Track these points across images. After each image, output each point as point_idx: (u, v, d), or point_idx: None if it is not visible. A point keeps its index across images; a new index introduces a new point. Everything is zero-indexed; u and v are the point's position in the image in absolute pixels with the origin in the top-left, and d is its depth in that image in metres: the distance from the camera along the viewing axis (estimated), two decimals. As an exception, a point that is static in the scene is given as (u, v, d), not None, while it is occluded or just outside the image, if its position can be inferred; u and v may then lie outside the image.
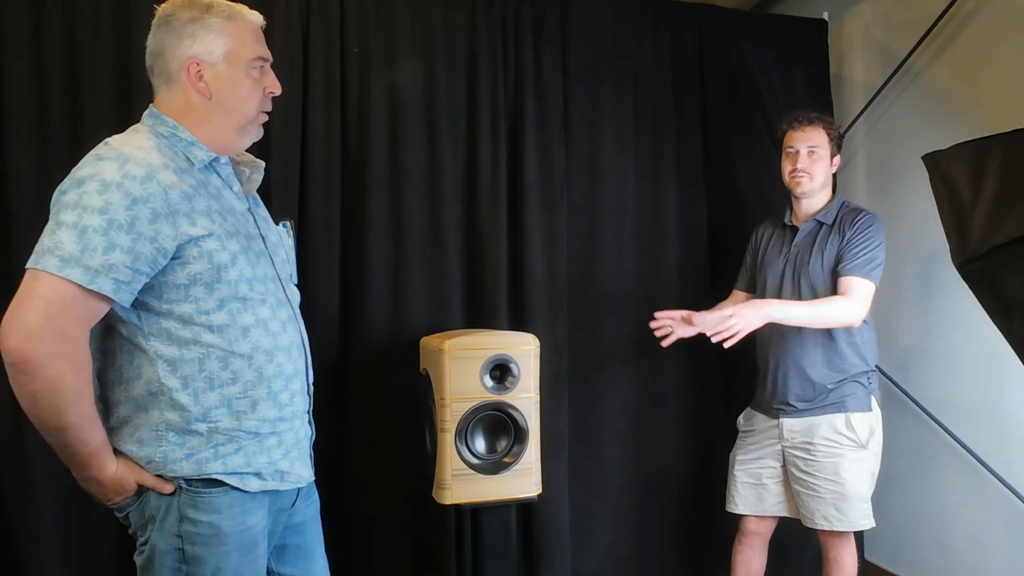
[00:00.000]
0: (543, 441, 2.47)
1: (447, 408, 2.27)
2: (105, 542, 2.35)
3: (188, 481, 1.45)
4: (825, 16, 3.26)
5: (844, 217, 2.46)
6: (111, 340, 1.46)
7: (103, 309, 1.38)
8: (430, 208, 2.67)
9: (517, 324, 2.74)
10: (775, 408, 2.52)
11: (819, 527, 2.45)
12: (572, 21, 2.86)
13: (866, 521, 2.45)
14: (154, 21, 1.51)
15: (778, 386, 2.50)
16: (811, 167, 2.46)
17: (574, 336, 2.87)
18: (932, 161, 1.51)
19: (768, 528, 2.64)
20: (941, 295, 2.86)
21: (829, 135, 2.48)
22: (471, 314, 2.74)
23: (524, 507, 2.68)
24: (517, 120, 2.79)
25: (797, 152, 2.48)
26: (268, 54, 1.57)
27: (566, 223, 2.84)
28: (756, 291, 2.65)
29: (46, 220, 1.38)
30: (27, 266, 1.34)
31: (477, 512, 2.36)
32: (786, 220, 2.59)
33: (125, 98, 2.36)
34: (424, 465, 2.44)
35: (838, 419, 2.43)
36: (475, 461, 2.30)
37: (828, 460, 2.42)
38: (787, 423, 2.50)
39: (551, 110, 2.82)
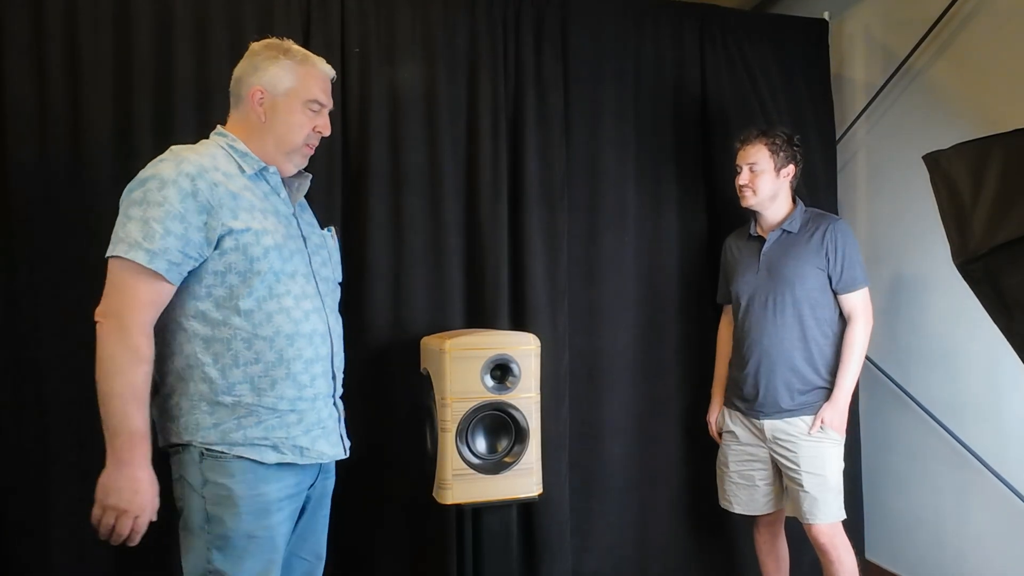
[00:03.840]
0: (544, 441, 2.47)
1: (448, 408, 2.27)
2: (106, 541, 2.34)
3: (209, 448, 1.63)
4: (825, 16, 3.26)
5: (811, 222, 2.59)
6: (160, 319, 1.65)
7: (165, 290, 1.60)
8: (431, 208, 2.66)
9: (518, 324, 2.74)
10: (757, 411, 2.58)
11: (809, 522, 2.51)
12: (572, 21, 2.86)
13: (843, 512, 2.54)
14: (246, 53, 1.81)
15: (761, 390, 2.56)
16: (752, 182, 2.59)
17: (574, 336, 2.87)
18: (933, 161, 1.50)
19: (777, 517, 2.71)
20: (941, 295, 2.86)
21: (771, 150, 2.59)
22: (472, 314, 2.74)
23: (525, 507, 2.69)
24: (517, 120, 2.79)
25: (741, 169, 2.61)
26: (327, 100, 1.84)
27: (567, 223, 2.84)
28: (732, 301, 2.72)
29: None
30: (106, 255, 1.60)
31: (478, 512, 2.36)
32: (752, 232, 2.68)
33: (126, 98, 2.36)
34: (424, 465, 2.44)
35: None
36: (476, 461, 2.30)
37: (813, 457, 2.50)
38: (768, 424, 2.57)
39: (551, 110, 2.82)
